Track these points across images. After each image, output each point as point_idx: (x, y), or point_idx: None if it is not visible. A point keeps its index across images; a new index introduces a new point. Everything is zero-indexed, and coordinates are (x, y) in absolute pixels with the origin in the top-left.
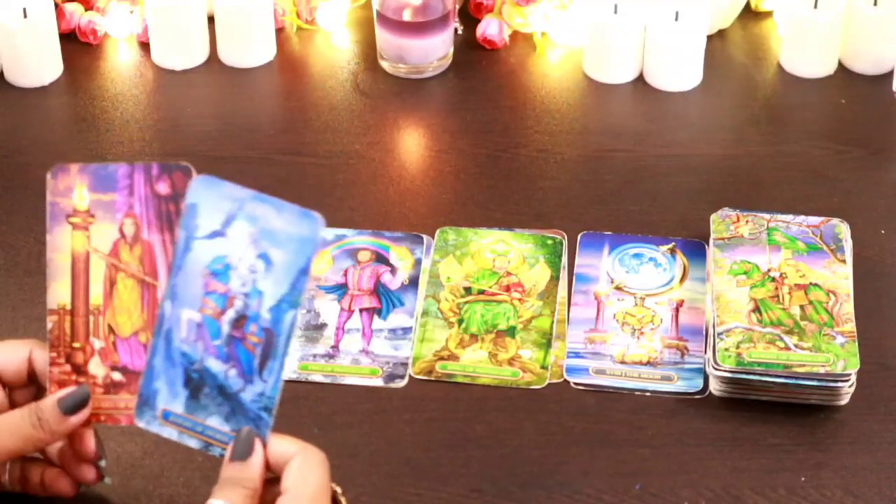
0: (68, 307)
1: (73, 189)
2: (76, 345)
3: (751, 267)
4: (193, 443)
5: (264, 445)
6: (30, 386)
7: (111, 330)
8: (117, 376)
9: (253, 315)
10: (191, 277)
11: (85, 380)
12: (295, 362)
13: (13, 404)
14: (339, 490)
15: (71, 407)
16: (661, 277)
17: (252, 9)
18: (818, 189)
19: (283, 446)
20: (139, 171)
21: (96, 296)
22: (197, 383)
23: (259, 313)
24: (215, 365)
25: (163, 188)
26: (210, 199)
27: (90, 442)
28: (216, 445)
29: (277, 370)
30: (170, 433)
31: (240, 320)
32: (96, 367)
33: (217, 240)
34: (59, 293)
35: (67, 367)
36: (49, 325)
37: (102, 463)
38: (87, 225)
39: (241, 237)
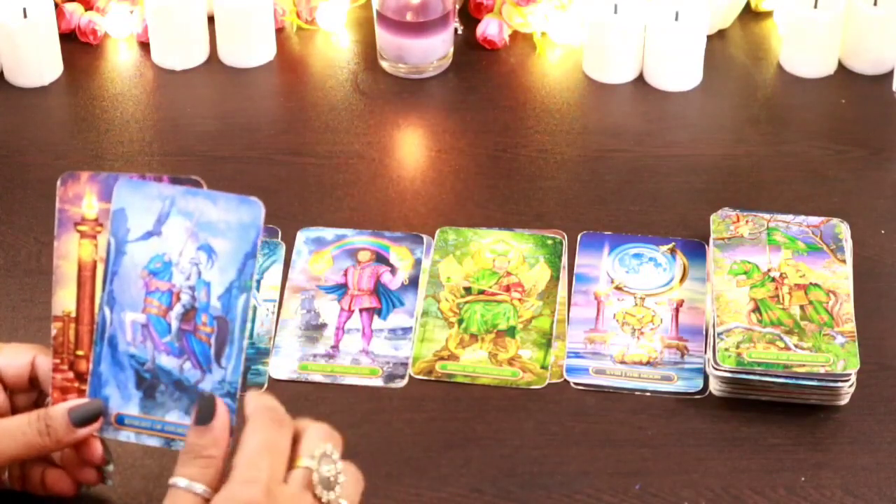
0: (73, 314)
1: (82, 197)
2: (80, 352)
3: (751, 267)
4: (153, 441)
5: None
6: (31, 391)
7: None
8: None
9: (202, 306)
10: (128, 280)
11: (86, 387)
12: (295, 362)
13: (14, 408)
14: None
15: (82, 419)
16: (661, 277)
17: (252, 9)
18: (818, 189)
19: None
20: None
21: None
22: (150, 383)
23: (208, 303)
24: (168, 361)
25: None
26: (137, 201)
27: (97, 448)
28: (179, 440)
29: (237, 355)
30: (127, 436)
31: (189, 313)
32: (90, 375)
33: (152, 240)
34: (64, 300)
35: (70, 374)
36: (53, 332)
37: (110, 468)
38: (95, 234)
39: (178, 233)
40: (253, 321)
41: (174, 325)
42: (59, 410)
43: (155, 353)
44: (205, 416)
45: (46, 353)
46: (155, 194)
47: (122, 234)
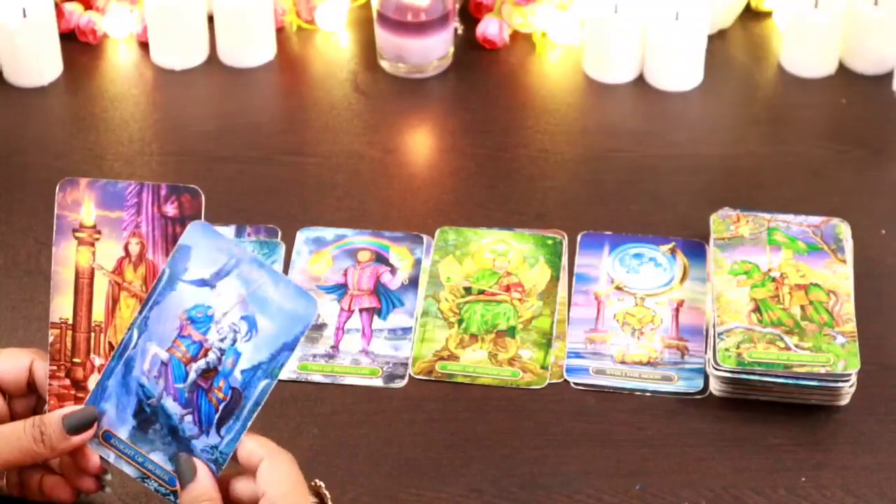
0: (70, 322)
1: (80, 204)
2: (77, 360)
3: (751, 267)
4: (129, 470)
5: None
6: (29, 396)
7: (112, 347)
8: None
9: (225, 371)
10: (167, 315)
11: (83, 395)
12: (295, 362)
13: (12, 414)
14: (321, 484)
15: (76, 427)
16: (661, 277)
17: (252, 9)
18: (818, 189)
19: (250, 450)
20: (148, 191)
21: (98, 312)
22: (148, 417)
23: (231, 371)
24: (172, 406)
25: (170, 210)
26: (205, 247)
27: (94, 457)
28: (153, 480)
29: (238, 431)
30: (106, 454)
31: (210, 372)
32: (95, 384)
33: (204, 289)
34: (61, 307)
35: (67, 382)
36: (51, 338)
37: (108, 477)
38: (93, 241)
39: (230, 295)
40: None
41: (192, 376)
42: (53, 417)
43: (164, 393)
44: (187, 475)
45: (44, 358)
46: (224, 248)
47: (178, 269)
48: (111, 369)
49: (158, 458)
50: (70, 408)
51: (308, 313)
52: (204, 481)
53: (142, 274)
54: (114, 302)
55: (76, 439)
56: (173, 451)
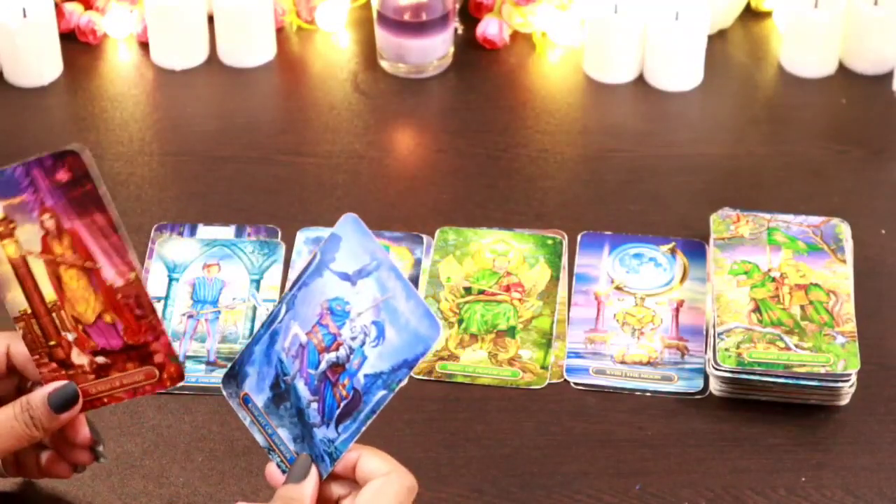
0: (29, 311)
1: None
2: (52, 343)
3: (751, 267)
4: (259, 438)
5: (321, 476)
6: (10, 377)
7: (77, 320)
8: (101, 359)
9: (351, 370)
10: (311, 299)
11: (74, 371)
12: None
13: None
14: None
15: (60, 405)
16: (662, 277)
17: (252, 9)
18: (818, 189)
19: (374, 464)
20: (35, 167)
21: (49, 293)
22: (282, 393)
23: (356, 373)
24: (303, 390)
25: (62, 176)
26: (353, 242)
27: (83, 430)
28: (276, 454)
29: (353, 431)
30: (243, 417)
31: (338, 367)
32: (78, 357)
33: (345, 283)
34: (16, 301)
35: (54, 365)
36: (21, 332)
37: (100, 448)
38: (11, 231)
39: (367, 296)
40: (253, 320)
41: (322, 366)
42: (38, 400)
43: (297, 374)
44: (298, 475)
45: (19, 339)
46: (370, 249)
47: (328, 257)
48: (259, 336)
49: (285, 435)
50: (52, 385)
51: (430, 336)
52: (305, 489)
53: (69, 244)
54: (58, 278)
55: (65, 417)
56: (298, 432)
